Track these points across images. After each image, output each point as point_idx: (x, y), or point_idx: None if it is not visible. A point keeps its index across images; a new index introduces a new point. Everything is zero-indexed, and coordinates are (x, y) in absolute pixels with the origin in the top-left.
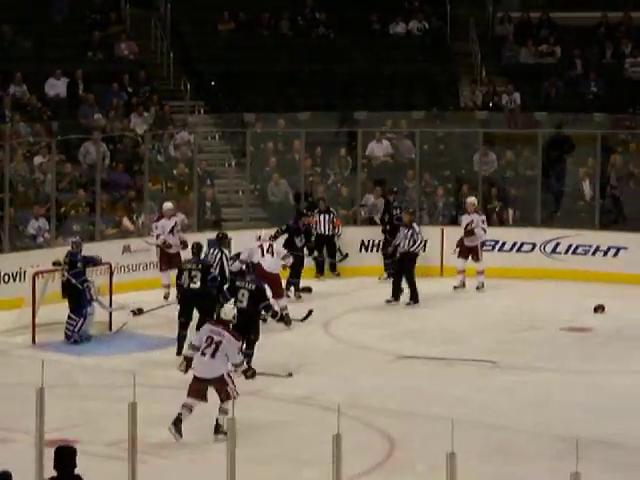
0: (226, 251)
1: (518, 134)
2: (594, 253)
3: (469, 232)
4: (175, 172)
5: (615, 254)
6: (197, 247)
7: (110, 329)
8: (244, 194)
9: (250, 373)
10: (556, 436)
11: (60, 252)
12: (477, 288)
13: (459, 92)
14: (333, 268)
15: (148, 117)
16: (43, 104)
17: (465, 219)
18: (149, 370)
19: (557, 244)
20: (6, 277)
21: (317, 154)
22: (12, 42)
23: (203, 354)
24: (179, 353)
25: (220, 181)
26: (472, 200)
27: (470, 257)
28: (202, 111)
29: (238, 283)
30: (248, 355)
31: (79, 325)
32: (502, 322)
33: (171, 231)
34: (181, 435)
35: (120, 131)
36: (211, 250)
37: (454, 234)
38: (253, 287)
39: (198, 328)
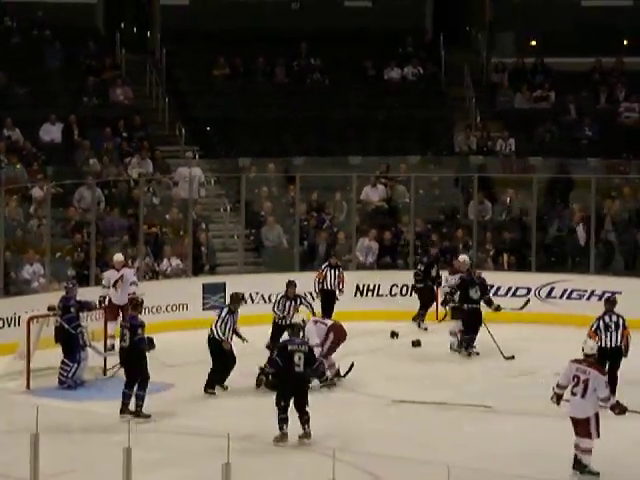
0: (235, 314)
1: (513, 179)
2: (589, 298)
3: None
4: (168, 217)
5: None
6: (136, 301)
7: (104, 374)
8: (239, 238)
9: (619, 410)
10: None
11: (55, 297)
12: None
13: (454, 137)
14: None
15: (145, 163)
16: (38, 149)
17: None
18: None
19: (552, 289)
20: (0, 322)
21: (313, 199)
22: (7, 88)
23: (574, 394)
24: (122, 412)
25: (215, 226)
26: (465, 258)
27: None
28: (197, 156)
29: (290, 347)
30: (307, 421)
31: (73, 370)
32: (497, 367)
33: (115, 284)
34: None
35: (115, 176)
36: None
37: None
38: (307, 349)
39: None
